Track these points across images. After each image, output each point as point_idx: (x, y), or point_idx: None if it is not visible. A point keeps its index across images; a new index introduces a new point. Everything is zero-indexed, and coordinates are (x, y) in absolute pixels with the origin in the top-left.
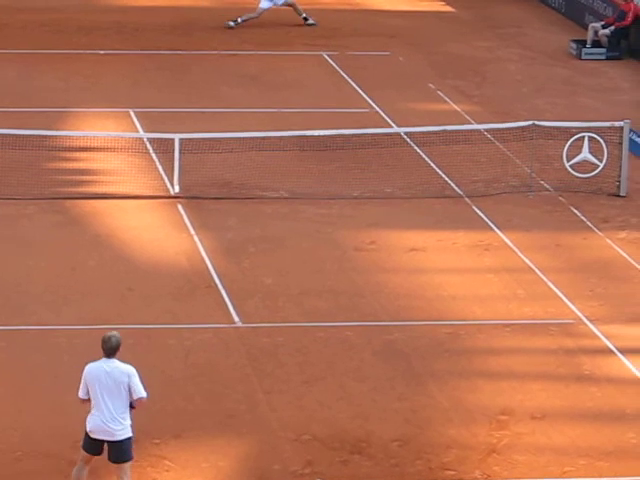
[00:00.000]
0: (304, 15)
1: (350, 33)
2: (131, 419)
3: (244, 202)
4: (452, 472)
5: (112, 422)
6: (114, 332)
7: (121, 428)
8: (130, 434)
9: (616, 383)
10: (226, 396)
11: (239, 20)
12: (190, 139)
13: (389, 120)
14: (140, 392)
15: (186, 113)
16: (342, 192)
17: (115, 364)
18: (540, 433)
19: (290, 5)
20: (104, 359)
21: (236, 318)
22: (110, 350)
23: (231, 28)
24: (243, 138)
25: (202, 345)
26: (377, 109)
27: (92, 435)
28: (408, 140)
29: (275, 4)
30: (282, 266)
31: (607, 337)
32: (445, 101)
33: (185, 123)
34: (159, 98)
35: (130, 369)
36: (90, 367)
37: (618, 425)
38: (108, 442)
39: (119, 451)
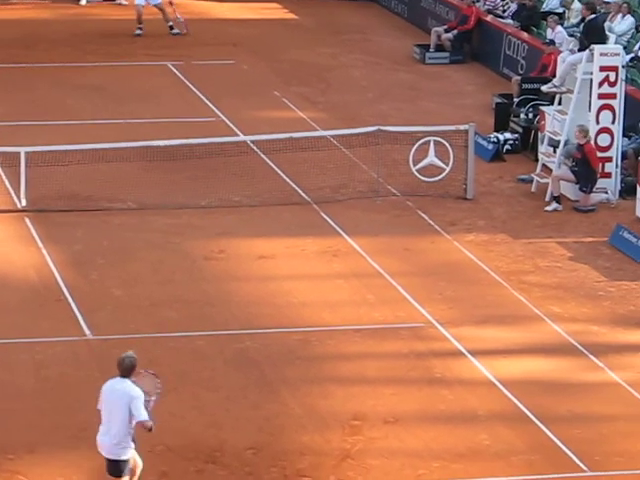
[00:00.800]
0: (170, 24)
1: (194, 42)
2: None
3: (92, 214)
4: (307, 478)
5: (110, 439)
6: (130, 352)
7: (117, 448)
8: (126, 457)
9: (467, 385)
10: (79, 409)
11: (140, 26)
12: (36, 152)
13: (235, 129)
14: (139, 416)
15: (31, 126)
16: (190, 202)
17: (125, 384)
18: (393, 437)
19: (161, 9)
20: (118, 378)
21: (87, 331)
22: (123, 370)
23: (140, 35)
24: (89, 150)
25: (53, 358)
26: (223, 118)
27: (99, 450)
28: (255, 148)
29: (148, 3)
30: (131, 277)
31: (457, 340)
32: (291, 108)
33: (30, 136)
34: (2, 112)
35: (134, 392)
36: (106, 382)
37: (470, 427)
38: (105, 458)
39: (112, 469)
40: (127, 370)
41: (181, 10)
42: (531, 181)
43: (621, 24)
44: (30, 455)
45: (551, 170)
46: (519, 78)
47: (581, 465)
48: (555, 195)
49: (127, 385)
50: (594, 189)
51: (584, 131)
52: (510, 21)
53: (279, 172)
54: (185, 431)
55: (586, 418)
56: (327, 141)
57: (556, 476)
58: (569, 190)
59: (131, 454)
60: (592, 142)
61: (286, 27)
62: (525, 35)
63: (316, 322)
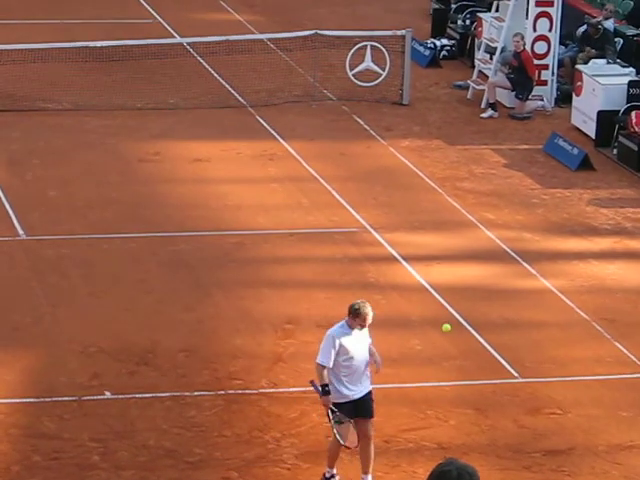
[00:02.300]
0: None
1: None
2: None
3: (27, 114)
4: (239, 381)
5: None
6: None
7: None
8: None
9: (401, 290)
10: (11, 309)
11: None
12: None
13: (172, 31)
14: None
15: None
16: (126, 103)
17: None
18: None
19: None
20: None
21: (20, 231)
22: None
23: None
24: (25, 50)
25: None
26: (160, 20)
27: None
28: (191, 50)
29: None
30: (66, 178)
31: (391, 245)
32: (228, 11)
33: None
34: None
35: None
36: None
37: (403, 332)
38: None
39: None
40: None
41: None
42: (467, 87)
43: None
44: None
45: (487, 77)
46: None
47: (512, 371)
48: (491, 102)
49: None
50: (530, 96)
51: (521, 37)
52: None
53: (215, 75)
54: (117, 333)
55: (518, 324)
56: (263, 44)
57: (487, 382)
58: (505, 97)
59: None
60: (529, 50)
61: None
62: None
63: (251, 225)
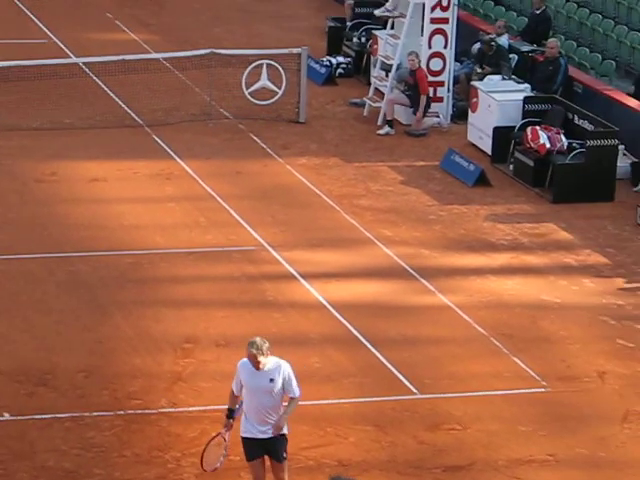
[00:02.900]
0: None
1: None
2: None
3: None
4: (138, 401)
5: None
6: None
7: None
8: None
9: (299, 308)
10: None
11: None
12: None
13: (67, 51)
14: None
15: None
16: (21, 123)
17: None
18: (225, 360)
19: None
20: None
21: None
22: None
23: None
24: None
25: None
26: (55, 40)
27: None
28: (87, 70)
29: None
30: None
31: (289, 263)
32: (123, 30)
33: None
34: None
35: None
36: None
37: (302, 349)
38: None
39: None
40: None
41: None
42: (363, 105)
43: None
44: None
45: (383, 94)
46: (352, 2)
47: (411, 387)
48: (388, 119)
49: None
50: (427, 113)
51: (416, 55)
52: None
53: (111, 95)
54: (15, 354)
55: (416, 341)
56: (159, 64)
57: (387, 399)
58: (401, 114)
59: None
60: (424, 67)
61: None
62: None
63: (148, 245)
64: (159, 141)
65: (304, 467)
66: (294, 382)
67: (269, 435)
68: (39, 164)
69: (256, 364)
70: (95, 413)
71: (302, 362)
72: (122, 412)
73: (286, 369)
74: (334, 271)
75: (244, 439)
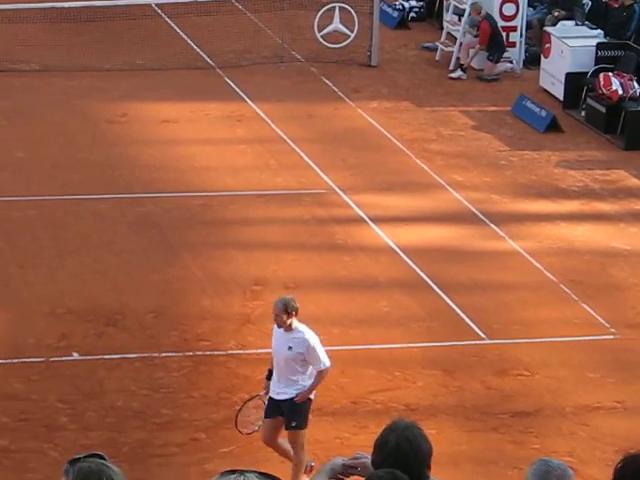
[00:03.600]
0: None
1: None
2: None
3: None
4: (207, 342)
5: None
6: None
7: None
8: None
9: (369, 252)
10: None
11: None
12: None
13: None
14: None
15: None
16: (94, 64)
17: None
18: None
19: None
20: None
21: None
22: None
23: None
24: None
25: None
26: None
27: None
28: (159, 12)
29: None
30: (34, 139)
31: (359, 206)
32: None
33: None
34: None
35: None
36: None
37: (371, 293)
38: None
39: None
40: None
41: None
42: (435, 49)
43: None
44: None
45: (455, 38)
46: None
47: (480, 333)
48: (462, 63)
49: None
50: (500, 58)
51: (477, 8)
52: None
53: (184, 36)
54: (86, 294)
55: (485, 286)
56: (232, 6)
57: (455, 343)
58: (474, 59)
59: None
60: (497, 12)
61: None
62: None
63: (218, 187)
64: (231, 83)
65: (371, 411)
66: (320, 354)
67: (282, 397)
68: (111, 105)
69: (276, 320)
70: (164, 354)
71: (371, 306)
72: (191, 353)
73: (310, 341)
74: (404, 215)
75: (269, 397)
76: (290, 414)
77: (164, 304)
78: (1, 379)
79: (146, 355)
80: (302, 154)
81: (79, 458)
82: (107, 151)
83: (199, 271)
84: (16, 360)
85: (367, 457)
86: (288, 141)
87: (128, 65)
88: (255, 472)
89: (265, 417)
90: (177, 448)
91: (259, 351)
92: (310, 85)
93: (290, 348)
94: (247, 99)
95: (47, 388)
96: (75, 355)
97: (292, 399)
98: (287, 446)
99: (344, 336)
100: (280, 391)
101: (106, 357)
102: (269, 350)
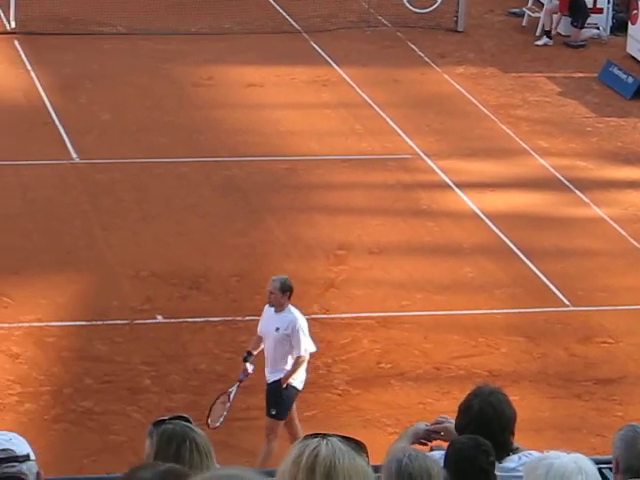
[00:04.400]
0: None
1: None
2: None
3: (81, 38)
4: None
5: None
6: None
7: None
8: None
9: (453, 217)
10: (64, 233)
11: None
12: None
13: None
14: None
15: None
16: (180, 27)
17: None
18: (378, 267)
19: None
20: None
21: (74, 154)
22: None
23: None
24: None
25: (40, 181)
26: None
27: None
28: None
29: None
30: (119, 102)
31: (444, 172)
32: None
33: None
34: None
35: None
36: None
37: (455, 259)
38: None
39: None
40: None
41: None
42: (522, 15)
43: None
44: (15, 277)
45: (542, 4)
46: None
47: (564, 299)
48: (547, 29)
49: None
50: (585, 24)
51: None
52: None
53: (270, 0)
54: (170, 257)
55: (570, 253)
56: None
57: (539, 310)
58: (560, 25)
59: None
60: None
61: None
62: None
63: (303, 151)
64: (316, 47)
65: (454, 376)
66: (302, 340)
67: (271, 380)
68: (197, 68)
69: (270, 298)
70: (247, 317)
71: (455, 272)
72: None
73: (297, 323)
74: (489, 181)
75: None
76: (272, 400)
77: (247, 268)
78: (85, 341)
79: (229, 318)
80: (387, 119)
81: (163, 420)
82: (193, 114)
83: (283, 235)
84: (100, 322)
85: (450, 421)
86: (374, 106)
87: (214, 29)
88: (338, 436)
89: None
90: (260, 412)
91: (343, 315)
92: (396, 50)
93: (277, 329)
94: (333, 64)
95: (131, 350)
96: (159, 318)
97: (278, 381)
98: (299, 432)
99: (428, 302)
100: (270, 375)
101: (189, 320)
102: (353, 315)
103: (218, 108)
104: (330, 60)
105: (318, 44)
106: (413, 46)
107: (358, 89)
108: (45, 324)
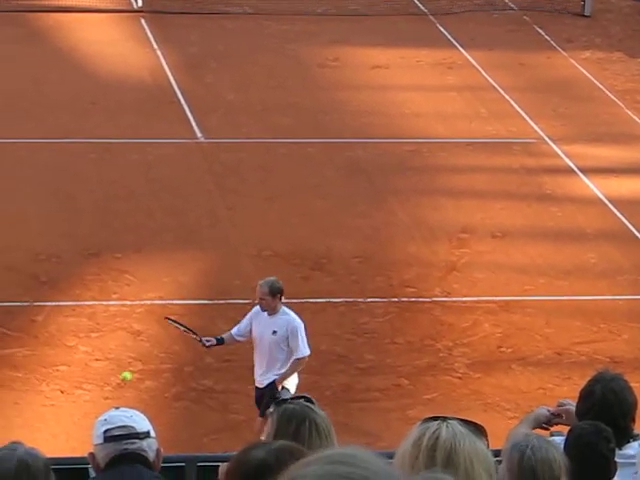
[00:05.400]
0: None
1: None
2: None
3: (207, 17)
4: (412, 289)
5: None
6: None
7: None
8: None
9: (577, 203)
10: (188, 211)
11: None
12: None
13: None
14: None
15: None
16: (306, 8)
17: None
18: (500, 251)
19: None
20: None
21: (198, 133)
22: None
23: None
24: None
25: (164, 160)
26: None
27: None
28: None
29: None
30: (245, 82)
31: (569, 157)
32: None
33: None
34: None
35: None
36: None
37: (578, 245)
38: None
39: None
40: None
41: None
42: None
43: None
44: (137, 255)
45: None
46: None
47: None
48: None
49: None
50: None
51: None
52: None
53: None
54: (292, 237)
55: None
56: None
57: None
58: None
59: None
60: None
61: None
62: None
63: (428, 133)
64: (442, 30)
65: (576, 362)
66: (301, 341)
67: (265, 382)
68: (322, 49)
69: (261, 303)
70: (369, 299)
71: (577, 257)
72: (396, 299)
73: (295, 324)
74: (614, 167)
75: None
76: (270, 401)
77: (370, 249)
78: (207, 319)
79: (351, 300)
80: (512, 103)
81: (285, 399)
82: (317, 95)
83: (406, 217)
84: (222, 301)
85: (572, 404)
86: (499, 89)
87: (341, 10)
88: (458, 419)
89: (256, 405)
90: (379, 393)
91: (464, 299)
92: (522, 34)
93: (275, 332)
94: (458, 46)
95: None
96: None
97: (274, 382)
98: None
99: (550, 286)
100: (263, 378)
101: (311, 301)
102: (475, 298)
103: (343, 89)
104: (456, 43)
105: (444, 27)
106: (539, 30)
107: (483, 72)
108: (167, 302)
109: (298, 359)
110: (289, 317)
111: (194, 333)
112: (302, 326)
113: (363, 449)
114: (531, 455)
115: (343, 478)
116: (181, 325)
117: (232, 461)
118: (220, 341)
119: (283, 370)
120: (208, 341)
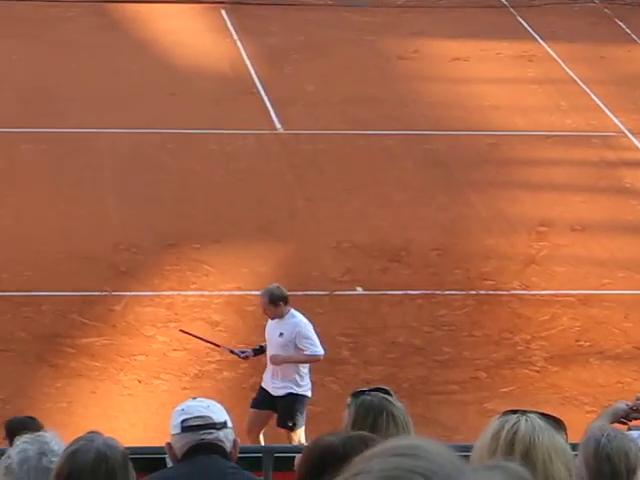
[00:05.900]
0: None
1: None
2: None
3: (288, 8)
4: (490, 282)
5: None
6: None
7: None
8: None
9: None
10: (267, 203)
11: None
12: None
13: None
14: None
15: None
16: (387, 0)
17: None
18: (579, 245)
19: None
20: None
21: (278, 124)
22: None
23: None
24: None
25: (243, 151)
26: None
27: None
28: None
29: None
30: (324, 73)
31: None
32: None
33: None
34: None
35: None
36: None
37: None
38: None
39: None
40: None
41: None
42: None
43: None
44: (216, 245)
45: None
46: None
47: None
48: None
49: None
50: None
51: None
52: None
53: None
54: (371, 229)
55: None
56: None
57: None
58: None
59: None
60: None
61: None
62: None
63: (507, 126)
64: (523, 22)
65: None
66: (311, 344)
67: (281, 393)
68: (402, 41)
69: (266, 313)
70: (447, 292)
71: None
72: (474, 292)
73: (301, 326)
74: None
75: (260, 386)
76: (286, 413)
77: (448, 242)
78: None
79: (429, 292)
80: (593, 96)
81: (363, 391)
82: (397, 87)
83: (484, 210)
84: (300, 293)
85: None
86: (579, 82)
87: (421, 1)
88: (536, 413)
89: (252, 407)
90: (457, 386)
91: (543, 292)
92: (603, 27)
93: (281, 334)
94: (539, 39)
95: (330, 321)
96: (359, 289)
97: (290, 394)
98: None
99: (629, 280)
100: (276, 386)
101: (389, 293)
102: (553, 292)
103: (422, 81)
104: (536, 35)
105: (524, 19)
106: (620, 23)
107: (564, 65)
108: (246, 293)
109: (314, 354)
110: (296, 320)
111: (215, 345)
112: (309, 327)
113: (429, 440)
114: (607, 443)
115: (408, 472)
116: (200, 338)
117: (304, 447)
118: (259, 350)
119: (301, 383)
120: (243, 352)
